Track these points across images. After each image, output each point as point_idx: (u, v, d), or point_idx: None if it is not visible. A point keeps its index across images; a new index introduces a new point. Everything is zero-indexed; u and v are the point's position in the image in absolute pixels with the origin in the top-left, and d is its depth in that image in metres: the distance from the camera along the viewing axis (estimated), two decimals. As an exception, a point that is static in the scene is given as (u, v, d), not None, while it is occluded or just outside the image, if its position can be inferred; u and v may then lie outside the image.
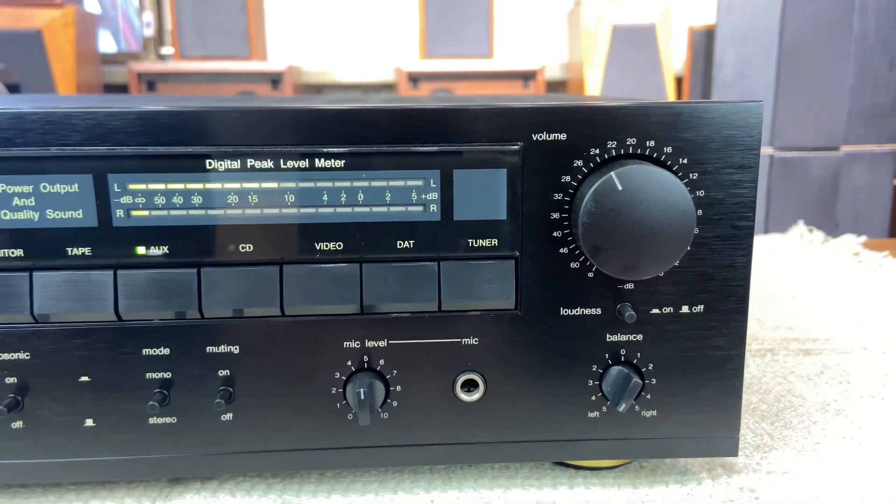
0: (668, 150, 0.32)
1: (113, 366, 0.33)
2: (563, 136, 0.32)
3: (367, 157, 0.32)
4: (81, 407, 0.33)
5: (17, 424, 0.33)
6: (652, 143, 0.32)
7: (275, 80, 2.37)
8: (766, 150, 2.21)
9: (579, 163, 0.32)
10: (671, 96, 2.39)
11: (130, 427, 0.34)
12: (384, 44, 2.76)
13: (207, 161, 0.31)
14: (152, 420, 0.34)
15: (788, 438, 0.41)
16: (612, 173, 0.31)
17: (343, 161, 0.32)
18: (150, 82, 2.39)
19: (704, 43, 2.36)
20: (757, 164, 0.33)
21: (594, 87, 2.37)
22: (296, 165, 0.32)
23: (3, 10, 2.38)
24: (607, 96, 0.66)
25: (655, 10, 2.40)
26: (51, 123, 0.31)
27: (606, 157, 0.32)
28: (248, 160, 0.32)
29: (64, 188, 0.31)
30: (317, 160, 0.32)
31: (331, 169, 0.32)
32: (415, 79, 2.43)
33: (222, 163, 0.32)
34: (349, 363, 0.34)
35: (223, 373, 0.33)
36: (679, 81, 2.48)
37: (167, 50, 2.70)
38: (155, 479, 0.37)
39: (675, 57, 2.44)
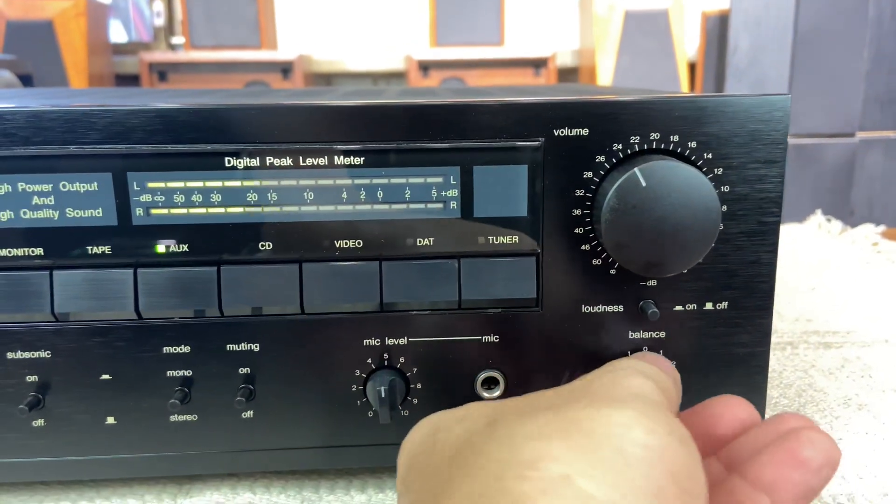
0: (693, 144, 0.32)
1: (133, 364, 0.33)
2: (584, 132, 0.32)
3: (385, 153, 0.32)
4: (102, 405, 0.33)
5: (39, 423, 0.33)
6: (676, 137, 0.32)
7: (285, 69, 2.37)
8: (780, 137, 2.20)
9: (601, 158, 0.32)
10: (684, 83, 2.37)
11: (151, 424, 0.34)
12: (394, 32, 2.74)
13: (226, 159, 0.31)
14: (173, 418, 0.34)
15: (811, 434, 0.40)
16: (636, 169, 0.30)
17: (362, 158, 0.32)
18: (162, 72, 2.39)
19: (718, 29, 2.33)
20: (784, 158, 0.32)
21: (606, 74, 2.35)
22: (315, 163, 0.32)
23: (15, 1, 2.38)
24: (623, 87, 0.65)
25: (668, -5, 2.37)
26: (69, 122, 0.30)
27: (629, 152, 0.32)
28: (267, 157, 0.31)
29: (83, 187, 0.31)
30: (335, 157, 0.32)
31: (349, 166, 0.32)
32: (425, 67, 2.42)
33: (241, 160, 0.31)
34: (369, 361, 0.34)
35: (244, 371, 0.33)
36: (692, 68, 2.46)
37: (178, 39, 2.69)
38: (175, 476, 0.37)
39: (688, 43, 2.42)
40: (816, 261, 0.76)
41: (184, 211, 0.32)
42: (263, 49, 2.43)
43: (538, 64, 2.45)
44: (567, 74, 2.70)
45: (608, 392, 0.24)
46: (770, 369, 0.49)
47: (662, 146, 0.32)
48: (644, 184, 0.30)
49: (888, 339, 0.54)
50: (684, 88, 2.35)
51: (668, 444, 0.21)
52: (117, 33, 2.71)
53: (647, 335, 0.34)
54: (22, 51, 2.29)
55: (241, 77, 2.39)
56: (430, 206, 0.32)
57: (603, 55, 2.36)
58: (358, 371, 0.34)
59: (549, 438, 0.21)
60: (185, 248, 0.32)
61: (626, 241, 0.31)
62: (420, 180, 0.32)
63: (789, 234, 0.87)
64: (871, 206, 2.25)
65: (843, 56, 2.16)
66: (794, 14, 2.17)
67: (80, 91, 0.60)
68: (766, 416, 0.42)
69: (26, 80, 2.09)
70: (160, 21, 2.70)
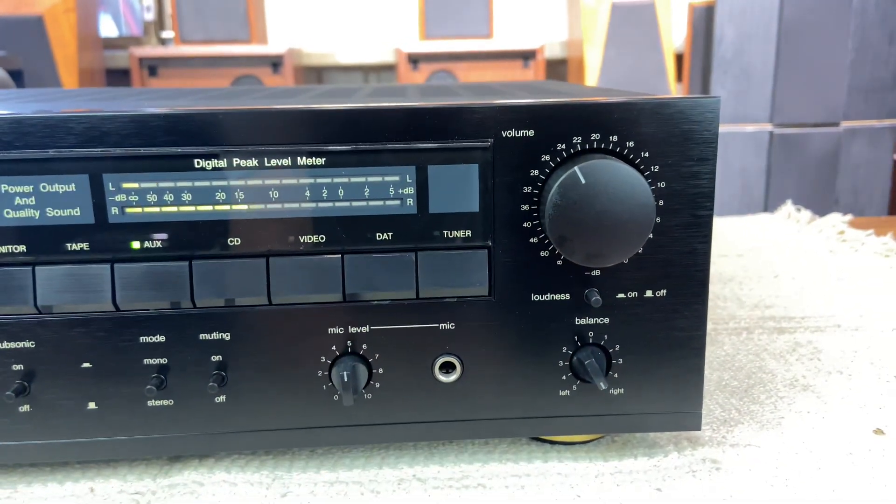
0: (630, 144, 0.34)
1: (113, 353, 0.35)
2: (531, 133, 0.34)
3: (346, 154, 0.34)
4: (84, 391, 0.36)
5: (25, 408, 0.36)
6: (615, 137, 0.34)
7: (275, 62, 2.38)
8: (765, 127, 2.22)
9: (546, 157, 0.34)
10: (671, 74, 2.39)
11: (130, 409, 0.36)
12: (384, 25, 2.75)
13: (195, 160, 0.33)
14: (151, 402, 0.36)
15: (755, 413, 0.43)
16: (576, 167, 0.33)
17: (324, 158, 0.34)
18: (152, 67, 2.40)
19: (704, 20, 2.35)
20: (714, 156, 0.34)
21: (594, 67, 2.37)
22: (279, 163, 0.34)
23: (4, -3, 2.38)
24: (593, 87, 0.67)
25: (655, -13, 2.39)
26: (49, 127, 0.33)
27: (572, 151, 0.34)
28: (234, 159, 0.34)
29: (62, 188, 0.33)
30: (299, 158, 0.34)
31: (312, 166, 0.34)
32: (414, 60, 2.44)
33: (210, 162, 0.34)
34: (334, 348, 0.36)
35: (216, 358, 0.36)
36: (679, 59, 2.48)
37: (168, 34, 2.70)
38: (155, 458, 0.39)
39: (675, 34, 2.43)
40: (783, 249, 0.79)
41: (157, 209, 0.34)
42: (253, 43, 2.44)
43: (527, 56, 2.47)
44: (556, 66, 2.72)
45: None
46: (724, 353, 0.51)
47: (602, 146, 0.34)
48: (584, 181, 0.33)
49: (840, 324, 0.57)
50: (671, 79, 2.37)
51: None
52: (107, 28, 2.72)
53: (591, 321, 0.36)
54: (12, 46, 2.30)
55: (232, 71, 2.40)
56: (388, 203, 0.35)
57: (591, 47, 2.38)
58: (323, 357, 0.36)
59: None
60: (158, 244, 0.34)
61: (568, 234, 0.33)
62: (378, 179, 0.34)
63: (759, 224, 0.89)
64: (856, 194, 2.28)
65: (827, 46, 2.18)
66: (778, 5, 2.19)
67: (68, 92, 0.62)
68: (713, 396, 0.45)
69: (17, 76, 2.10)
70: (150, 15, 2.71)
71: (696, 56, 2.38)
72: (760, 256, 0.76)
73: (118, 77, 2.63)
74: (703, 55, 2.36)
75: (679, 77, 2.48)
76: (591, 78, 2.38)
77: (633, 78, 2.37)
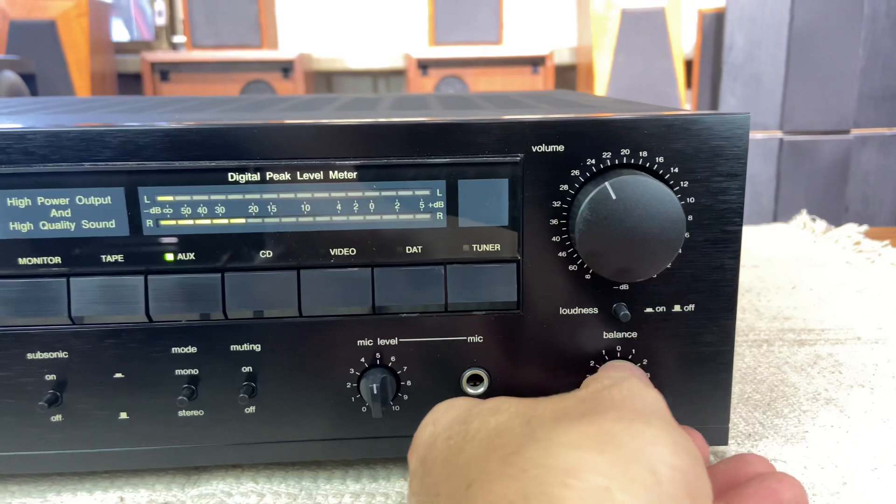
0: (660, 159, 0.34)
1: (144, 363, 0.36)
2: (560, 148, 0.34)
3: (377, 168, 0.34)
4: (116, 401, 0.36)
5: (57, 418, 0.36)
6: (645, 153, 0.34)
7: (286, 68, 2.39)
8: (775, 134, 2.22)
9: (576, 172, 0.34)
10: (681, 80, 2.39)
11: (161, 419, 0.36)
12: (394, 31, 2.76)
13: (229, 174, 0.34)
14: (181, 413, 0.36)
15: (779, 427, 0.43)
16: (607, 183, 0.33)
17: (355, 172, 0.34)
18: (164, 72, 2.42)
19: (714, 26, 2.35)
20: (744, 172, 0.35)
21: (603, 73, 2.37)
22: (311, 177, 0.34)
23: (18, 1, 2.40)
24: (610, 98, 0.68)
25: (665, -7, 2.39)
26: (85, 141, 0.33)
27: (602, 167, 0.34)
28: (267, 172, 0.34)
29: (98, 200, 0.34)
30: (331, 172, 0.34)
31: (344, 180, 0.34)
32: (424, 66, 2.44)
33: (243, 175, 0.34)
34: (362, 360, 0.36)
35: (246, 369, 0.36)
36: (689, 65, 2.48)
37: (179, 38, 2.72)
38: (183, 467, 0.39)
39: (684, 41, 2.44)
40: (799, 260, 0.79)
41: (190, 222, 0.34)
42: (264, 48, 2.45)
43: (536, 62, 2.47)
44: (565, 72, 2.72)
45: (632, 405, 0.26)
46: (745, 366, 0.51)
47: (632, 161, 0.34)
48: (614, 196, 0.33)
49: (860, 336, 0.57)
50: (680, 86, 2.37)
51: (690, 465, 0.23)
52: (119, 32, 2.74)
53: (619, 335, 0.36)
54: (25, 51, 2.32)
55: (242, 76, 2.41)
56: (418, 216, 0.35)
57: (600, 53, 2.38)
58: (352, 369, 0.36)
59: (587, 449, 0.22)
60: (191, 256, 0.35)
61: (598, 249, 0.33)
62: (409, 193, 0.35)
63: (774, 234, 0.89)
64: (866, 202, 2.27)
65: (837, 53, 2.18)
66: (789, 11, 2.19)
67: (88, 100, 0.63)
68: (737, 409, 0.45)
69: (29, 80, 2.12)
70: (162, 20, 2.72)
71: (706, 63, 2.38)
72: (777, 267, 0.76)
73: (130, 81, 2.64)
74: (712, 62, 2.37)
75: (689, 84, 2.48)
76: (601, 84, 2.38)
77: (643, 84, 2.37)
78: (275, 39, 2.63)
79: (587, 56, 2.46)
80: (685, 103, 2.45)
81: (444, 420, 0.28)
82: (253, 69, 2.41)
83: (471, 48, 2.46)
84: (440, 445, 0.27)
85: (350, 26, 2.77)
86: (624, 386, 0.27)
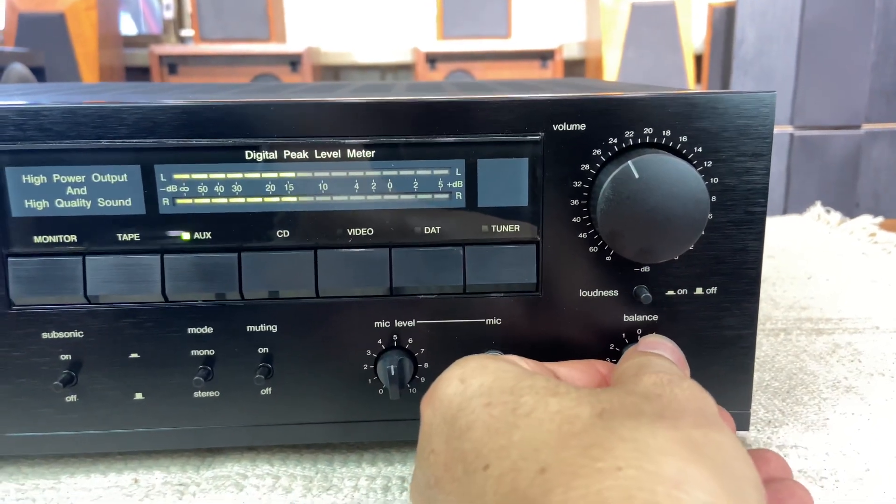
0: (684, 139, 0.34)
1: (160, 343, 0.35)
2: (582, 127, 0.34)
3: (395, 147, 0.34)
4: (131, 382, 0.36)
5: (72, 398, 0.36)
6: (668, 132, 0.34)
7: (294, 61, 2.39)
8: (786, 129, 2.20)
9: (598, 152, 0.34)
10: (690, 75, 2.38)
11: (176, 400, 0.36)
12: (402, 24, 2.76)
13: (246, 152, 0.33)
14: (197, 394, 0.36)
15: (799, 414, 0.42)
16: (630, 162, 0.32)
17: (373, 151, 0.34)
18: (172, 65, 2.42)
19: (725, 21, 2.34)
20: (769, 152, 0.34)
21: (612, 67, 2.36)
22: (329, 156, 0.34)
23: (27, -6, 2.41)
24: (624, 83, 0.67)
25: (675, -13, 2.38)
26: (102, 118, 0.33)
27: (624, 146, 0.34)
28: (285, 151, 0.33)
29: (114, 178, 0.33)
30: (348, 151, 0.34)
31: (361, 159, 0.34)
32: (432, 59, 2.43)
33: (260, 153, 0.33)
34: (380, 342, 0.36)
35: (262, 350, 0.36)
36: (699, 60, 2.46)
37: (187, 32, 2.72)
38: (198, 449, 0.39)
39: (694, 35, 2.42)
40: (814, 251, 0.78)
41: (207, 201, 0.34)
42: (272, 42, 2.45)
43: (545, 56, 2.46)
44: (574, 67, 2.71)
45: (698, 408, 0.25)
46: (763, 354, 0.51)
47: (655, 140, 0.34)
48: (637, 176, 0.32)
49: (879, 325, 0.56)
50: (690, 80, 2.36)
51: (754, 473, 0.23)
52: (127, 25, 2.74)
53: (640, 318, 0.36)
54: (34, 43, 2.32)
55: (250, 70, 2.41)
56: (436, 196, 0.34)
57: (609, 47, 2.37)
58: (369, 351, 0.36)
59: (683, 459, 0.21)
60: (208, 235, 0.34)
61: (620, 229, 0.33)
62: (427, 172, 0.34)
63: (789, 225, 0.89)
64: (877, 197, 2.26)
65: (849, 48, 2.16)
66: (800, 6, 2.17)
67: (93, 86, 0.63)
68: (756, 397, 0.44)
69: (38, 73, 2.12)
70: (170, 14, 2.72)
71: (716, 57, 2.36)
72: (792, 258, 0.76)
73: (138, 75, 2.64)
74: (722, 56, 2.35)
75: (698, 78, 2.47)
76: (610, 78, 2.37)
77: (652, 79, 2.36)
78: (283, 33, 2.63)
79: (596, 50, 2.45)
80: (695, 98, 2.43)
81: (476, 381, 0.26)
82: (261, 62, 2.41)
83: (479, 42, 2.45)
84: (478, 411, 0.25)
85: (358, 20, 2.76)
86: (685, 385, 0.26)
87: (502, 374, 0.26)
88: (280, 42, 2.53)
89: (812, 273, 0.70)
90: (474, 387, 0.26)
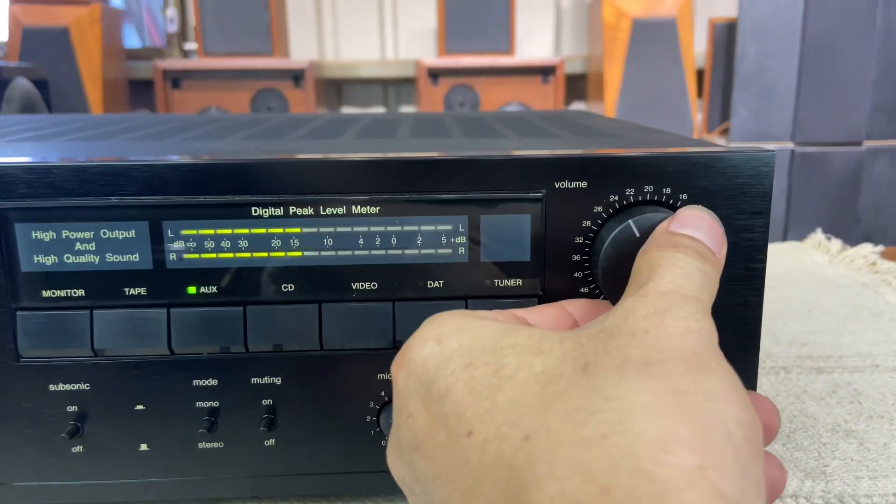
0: (684, 196, 0.34)
1: (166, 395, 0.36)
2: (583, 184, 0.34)
3: (399, 203, 0.34)
4: (137, 433, 0.36)
5: (77, 449, 0.36)
6: (668, 190, 0.34)
7: (296, 76, 2.40)
8: (787, 145, 2.21)
9: (599, 209, 0.34)
10: (692, 91, 2.38)
11: (181, 451, 0.37)
12: (404, 40, 2.77)
13: (253, 208, 0.34)
14: (201, 445, 0.36)
15: (799, 461, 0.43)
16: (630, 221, 0.33)
17: (377, 207, 0.34)
18: (175, 79, 2.43)
19: (726, 36, 2.35)
20: (768, 209, 0.34)
21: (614, 82, 2.37)
22: (334, 212, 0.34)
23: (31, 8, 2.42)
24: (627, 121, 0.68)
25: (676, 3, 2.39)
26: (111, 175, 0.33)
27: (625, 203, 0.34)
28: (290, 207, 0.34)
29: (122, 234, 0.34)
30: (353, 207, 0.34)
31: (366, 215, 0.34)
32: (434, 74, 2.45)
33: (266, 210, 0.34)
34: (382, 394, 0.36)
35: (266, 402, 0.36)
36: (700, 75, 2.47)
37: (191, 45, 2.73)
38: (202, 499, 0.39)
39: (695, 51, 2.43)
40: (814, 281, 0.78)
41: (213, 256, 0.34)
42: (275, 57, 2.46)
43: (546, 72, 2.47)
44: (575, 82, 2.72)
45: (690, 344, 0.23)
46: (764, 394, 0.51)
47: (656, 198, 0.34)
48: (637, 234, 0.33)
49: (878, 364, 0.56)
50: (692, 96, 2.37)
51: (753, 419, 0.21)
52: (131, 38, 2.75)
53: (641, 372, 0.36)
54: (38, 57, 2.34)
55: (253, 84, 2.42)
56: (440, 251, 0.35)
57: (611, 63, 2.38)
58: (372, 403, 0.36)
59: (666, 416, 0.20)
60: (214, 289, 0.35)
61: (621, 286, 0.33)
62: (431, 228, 0.35)
63: (789, 254, 0.89)
64: (878, 214, 2.26)
65: (850, 64, 2.17)
66: (801, 22, 2.18)
67: (100, 119, 0.63)
68: (757, 442, 0.45)
69: (42, 87, 2.13)
70: (173, 27, 2.74)
71: (718, 73, 2.37)
72: (792, 289, 0.76)
73: (141, 88, 2.66)
74: (724, 72, 2.36)
75: (700, 93, 2.48)
76: (611, 94, 2.38)
77: (654, 94, 2.37)
78: (286, 48, 2.64)
79: (598, 66, 2.46)
80: (696, 113, 2.45)
81: (454, 342, 0.25)
82: (264, 77, 2.42)
83: (481, 58, 2.46)
84: (458, 372, 0.24)
85: (361, 35, 2.77)
86: (680, 316, 0.24)
87: (481, 333, 0.25)
88: (283, 57, 2.54)
89: (812, 305, 0.71)
90: (451, 347, 0.25)
